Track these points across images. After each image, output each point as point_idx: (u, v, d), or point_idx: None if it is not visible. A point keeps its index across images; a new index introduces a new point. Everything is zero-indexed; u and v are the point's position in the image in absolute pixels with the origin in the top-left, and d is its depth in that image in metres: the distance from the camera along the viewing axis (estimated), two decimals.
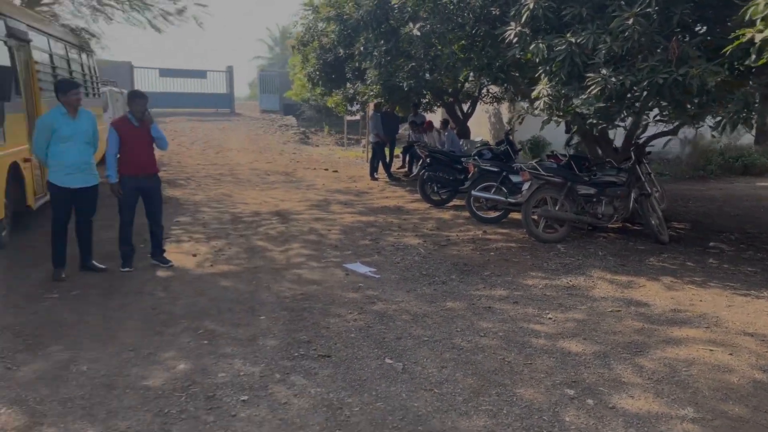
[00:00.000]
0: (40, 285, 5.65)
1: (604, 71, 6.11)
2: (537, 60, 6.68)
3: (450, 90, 13.59)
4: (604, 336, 4.65)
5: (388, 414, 3.43)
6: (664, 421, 3.42)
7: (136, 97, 6.09)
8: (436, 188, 10.32)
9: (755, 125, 7.23)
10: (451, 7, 8.25)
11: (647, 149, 8.66)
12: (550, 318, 5.02)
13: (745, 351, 4.42)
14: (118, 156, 6.05)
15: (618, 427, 3.35)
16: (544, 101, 6.86)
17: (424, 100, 14.47)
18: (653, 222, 7.81)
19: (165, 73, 30.27)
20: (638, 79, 5.93)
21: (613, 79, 6.00)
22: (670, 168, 14.95)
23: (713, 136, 6.87)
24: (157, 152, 6.31)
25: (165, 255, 6.45)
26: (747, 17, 4.74)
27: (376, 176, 13.43)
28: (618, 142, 9.16)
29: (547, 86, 6.78)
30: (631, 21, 5.79)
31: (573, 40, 6.26)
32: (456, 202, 10.28)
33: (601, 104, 6.49)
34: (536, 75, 7.07)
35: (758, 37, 4.60)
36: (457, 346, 4.38)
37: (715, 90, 5.85)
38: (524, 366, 4.10)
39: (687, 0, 5.96)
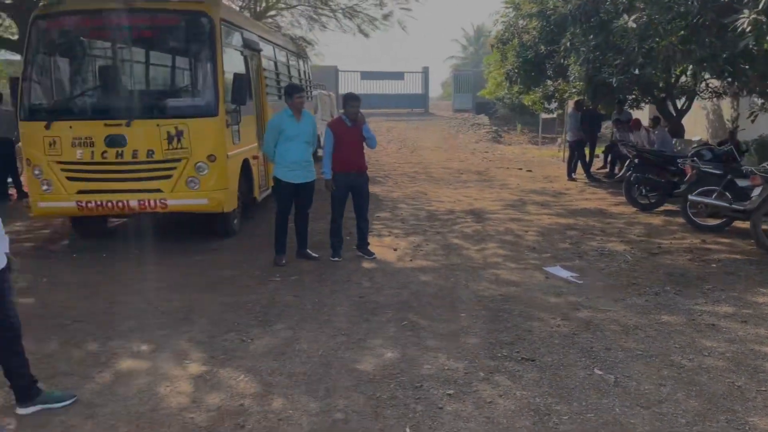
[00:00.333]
0: (264, 268, 6.32)
1: None
2: None
3: (662, 85, 12.50)
4: None
5: (600, 427, 3.26)
6: None
7: (351, 100, 6.50)
8: (644, 191, 9.55)
9: None
10: None
11: None
12: None
13: None
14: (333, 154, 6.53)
15: None
16: None
17: (630, 97, 13.50)
18: None
19: (366, 75, 32.09)
20: None
21: None
22: None
23: None
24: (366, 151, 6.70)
25: (369, 247, 6.82)
26: None
27: (574, 176, 12.85)
28: None
29: None
30: None
31: None
32: (666, 206, 9.44)
33: None
34: None
35: None
36: (676, 364, 4.02)
37: None
38: (757, 393, 3.63)
39: None
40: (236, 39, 7.83)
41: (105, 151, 6.63)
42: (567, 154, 13.71)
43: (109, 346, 4.36)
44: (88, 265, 6.57)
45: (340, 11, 16.77)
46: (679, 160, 8.93)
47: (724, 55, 7.48)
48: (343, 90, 29.21)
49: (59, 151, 6.67)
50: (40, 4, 8.03)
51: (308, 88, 13.33)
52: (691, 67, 9.02)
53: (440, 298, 5.41)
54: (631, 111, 13.99)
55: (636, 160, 9.75)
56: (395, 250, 7.08)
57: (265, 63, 9.24)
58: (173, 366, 4.03)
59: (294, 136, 6.27)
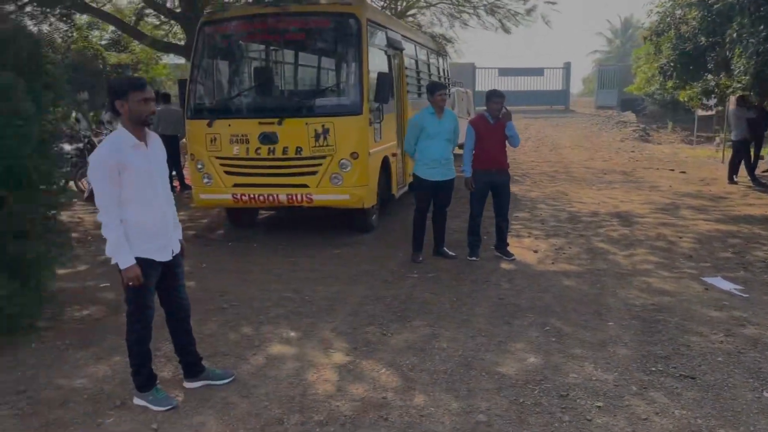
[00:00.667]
0: (402, 264, 6.41)
1: None
2: None
3: None
4: None
5: None
6: None
7: (494, 96, 6.38)
8: None
9: None
10: None
11: None
12: None
13: None
14: (473, 152, 6.46)
15: None
16: None
17: None
18: None
19: (504, 72, 31.48)
20: None
21: None
22: None
23: None
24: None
25: (508, 248, 6.67)
26: None
27: (735, 179, 11.69)
28: None
29: None
30: None
31: None
32: None
33: None
34: None
35: None
36: None
37: None
38: None
39: None
40: (380, 39, 8.00)
41: (258, 148, 7.08)
42: (729, 154, 12.50)
43: (261, 330, 4.65)
44: (242, 253, 7.06)
45: (482, 7, 16.54)
46: None
47: None
48: (480, 87, 28.90)
49: (219, 147, 7.22)
50: (206, 11, 8.75)
51: (447, 85, 13.31)
52: None
53: (585, 304, 5.15)
54: None
55: None
56: (536, 252, 6.86)
57: (406, 61, 9.37)
58: (319, 354, 4.20)
59: (435, 133, 6.28)
